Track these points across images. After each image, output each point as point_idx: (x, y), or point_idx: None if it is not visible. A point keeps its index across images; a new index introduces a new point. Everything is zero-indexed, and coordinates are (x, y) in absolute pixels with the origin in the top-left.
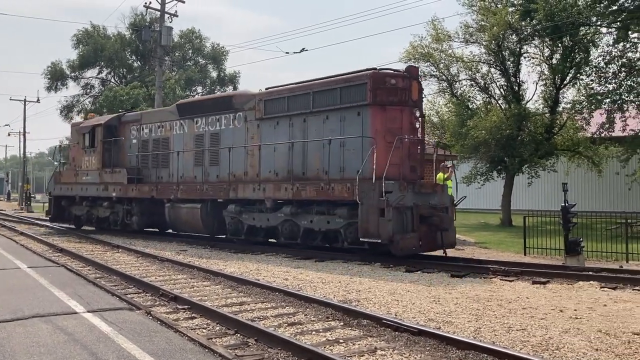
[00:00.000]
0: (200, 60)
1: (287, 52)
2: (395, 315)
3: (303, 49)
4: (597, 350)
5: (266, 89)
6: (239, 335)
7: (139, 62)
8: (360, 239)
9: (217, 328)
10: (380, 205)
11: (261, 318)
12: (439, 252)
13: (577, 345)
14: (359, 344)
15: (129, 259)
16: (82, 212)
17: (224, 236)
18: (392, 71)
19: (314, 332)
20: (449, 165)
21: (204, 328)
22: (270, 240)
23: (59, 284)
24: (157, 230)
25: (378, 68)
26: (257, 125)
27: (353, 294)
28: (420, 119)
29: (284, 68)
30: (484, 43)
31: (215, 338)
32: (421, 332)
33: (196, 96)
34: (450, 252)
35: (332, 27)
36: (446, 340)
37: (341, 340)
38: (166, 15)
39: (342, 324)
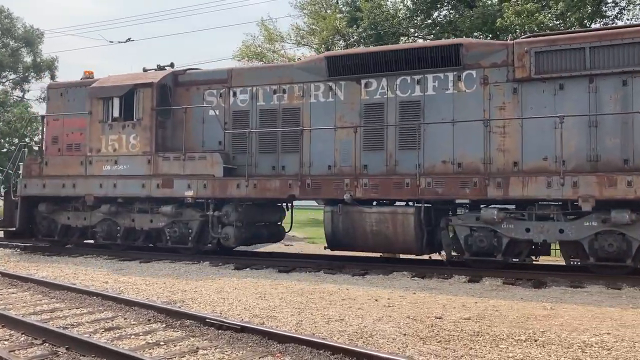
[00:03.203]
0: (10, 43)
1: (111, 41)
2: (221, 313)
3: (129, 38)
4: (404, 335)
5: (529, 36)
6: (47, 344)
7: None
8: None
9: (22, 339)
10: None
11: (75, 325)
12: (272, 248)
13: (388, 332)
14: (180, 345)
15: None
16: (88, 223)
17: (442, 257)
18: None
19: (133, 336)
20: None
21: (5, 340)
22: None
23: None
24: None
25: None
26: (513, 90)
27: (178, 295)
28: None
29: (110, 57)
30: (315, 46)
31: (19, 350)
32: (244, 328)
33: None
34: (278, 248)
35: (161, 19)
36: (268, 335)
37: (162, 343)
38: None
39: (164, 325)
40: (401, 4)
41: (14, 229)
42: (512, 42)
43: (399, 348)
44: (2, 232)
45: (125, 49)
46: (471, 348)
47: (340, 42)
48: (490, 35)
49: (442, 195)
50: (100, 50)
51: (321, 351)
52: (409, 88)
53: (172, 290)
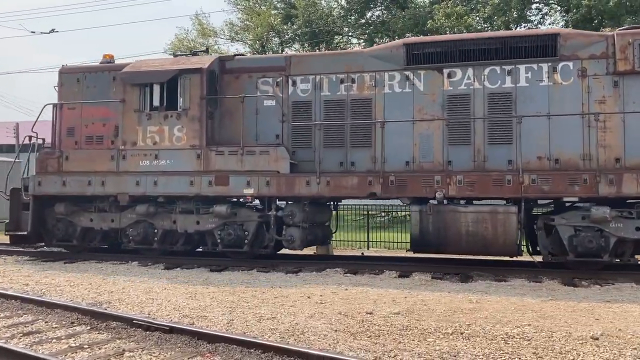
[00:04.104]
0: None
1: (33, 32)
2: (149, 314)
3: (53, 29)
4: (336, 331)
5: (630, 27)
6: None
7: None
8: None
9: None
10: None
11: None
12: None
13: (320, 328)
14: (105, 348)
15: None
16: (117, 225)
17: (532, 258)
18: None
19: (54, 340)
20: None
21: None
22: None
23: None
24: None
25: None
26: (614, 83)
27: (105, 296)
28: None
29: (37, 49)
30: (249, 42)
31: None
32: (173, 329)
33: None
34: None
35: (90, 10)
36: (197, 335)
37: (86, 346)
38: None
39: (88, 328)
40: (335, 3)
41: (25, 233)
42: (612, 33)
43: (329, 344)
44: (8, 237)
45: (46, 40)
46: (400, 342)
47: (275, 38)
48: (421, 37)
49: (548, 193)
50: (22, 40)
51: (252, 350)
52: (498, 79)
53: (99, 292)
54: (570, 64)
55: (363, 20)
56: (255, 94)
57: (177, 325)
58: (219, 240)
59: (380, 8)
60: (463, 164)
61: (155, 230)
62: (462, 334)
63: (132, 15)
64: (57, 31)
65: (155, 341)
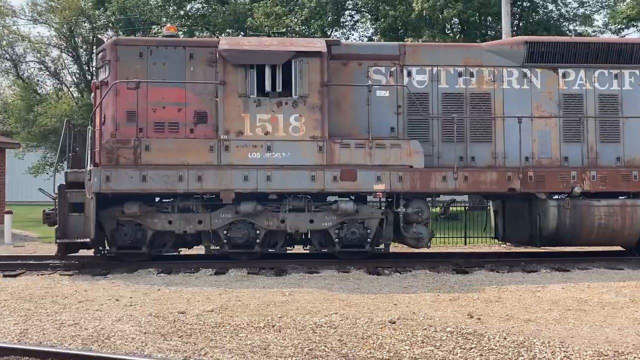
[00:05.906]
0: None
1: None
2: None
3: None
4: (145, 333)
5: None
6: None
7: None
8: None
9: None
10: None
11: None
12: None
13: (128, 332)
14: None
15: None
16: (206, 227)
17: None
18: None
19: None
20: None
21: None
22: None
23: None
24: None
25: None
26: None
27: None
28: None
29: None
30: (55, 26)
31: None
32: None
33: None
34: (6, 250)
35: None
36: None
37: None
38: None
39: None
40: None
41: (88, 240)
42: None
43: (137, 347)
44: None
45: None
46: (212, 340)
47: (86, 23)
48: (242, 33)
49: None
50: None
51: None
52: (606, 81)
53: None
54: None
55: (182, 12)
56: (367, 82)
57: None
58: (336, 240)
59: (200, 1)
60: (577, 161)
61: (257, 232)
62: (273, 326)
63: None
64: None
65: None
